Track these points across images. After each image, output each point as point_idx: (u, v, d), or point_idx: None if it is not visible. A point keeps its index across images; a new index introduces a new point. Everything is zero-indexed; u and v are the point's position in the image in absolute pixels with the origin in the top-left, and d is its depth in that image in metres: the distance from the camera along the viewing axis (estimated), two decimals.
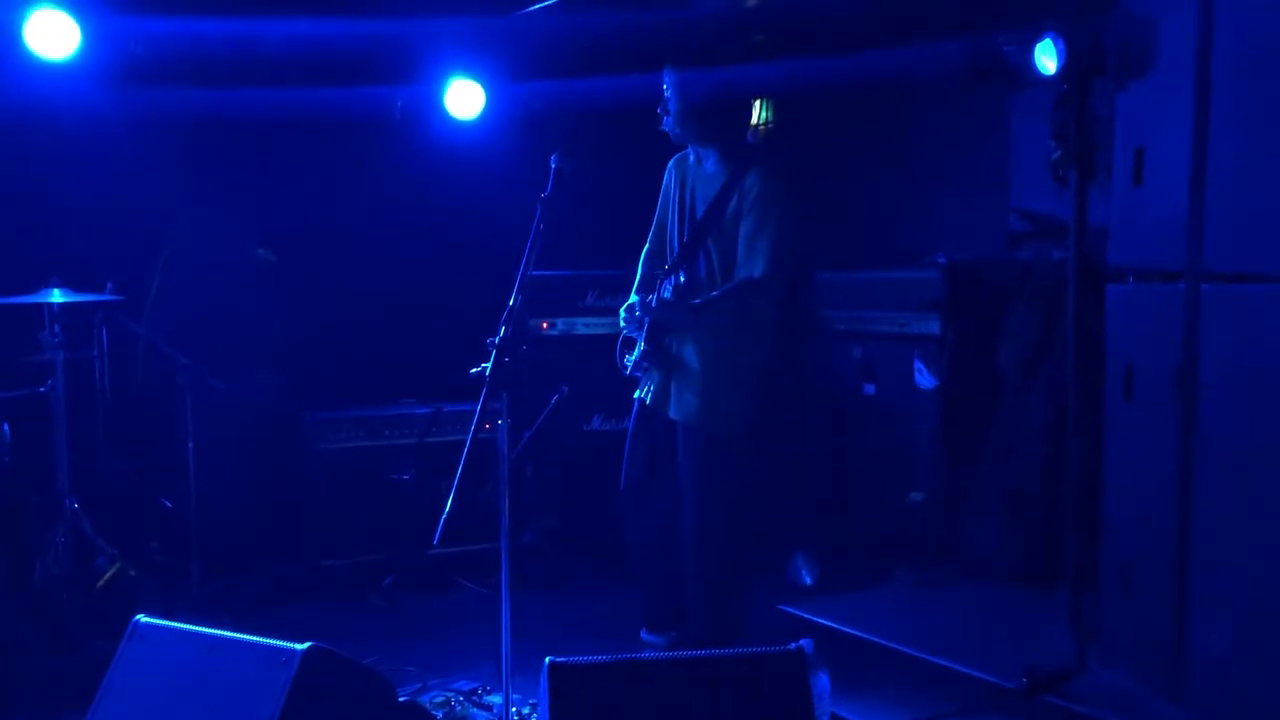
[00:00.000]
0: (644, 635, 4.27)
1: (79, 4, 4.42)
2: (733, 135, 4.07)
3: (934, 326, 5.23)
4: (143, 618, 2.81)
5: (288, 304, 5.38)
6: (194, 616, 4.29)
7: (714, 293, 3.95)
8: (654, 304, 4.00)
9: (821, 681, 3.09)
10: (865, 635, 4.46)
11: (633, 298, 4.24)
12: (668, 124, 4.05)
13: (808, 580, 5.13)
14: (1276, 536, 3.31)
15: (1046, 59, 4.08)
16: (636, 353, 4.14)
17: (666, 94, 4.03)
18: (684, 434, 4.02)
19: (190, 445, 4.71)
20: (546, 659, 2.61)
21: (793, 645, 2.75)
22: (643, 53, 4.82)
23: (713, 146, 4.04)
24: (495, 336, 3.19)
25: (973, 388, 5.20)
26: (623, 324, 4.19)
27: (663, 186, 4.26)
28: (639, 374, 4.17)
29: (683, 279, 3.98)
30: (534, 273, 3.41)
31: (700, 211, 4.04)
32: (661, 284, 4.10)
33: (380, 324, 5.56)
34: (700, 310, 3.93)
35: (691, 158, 4.13)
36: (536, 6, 5.29)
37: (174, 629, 2.78)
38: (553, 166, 3.47)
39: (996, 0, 5.05)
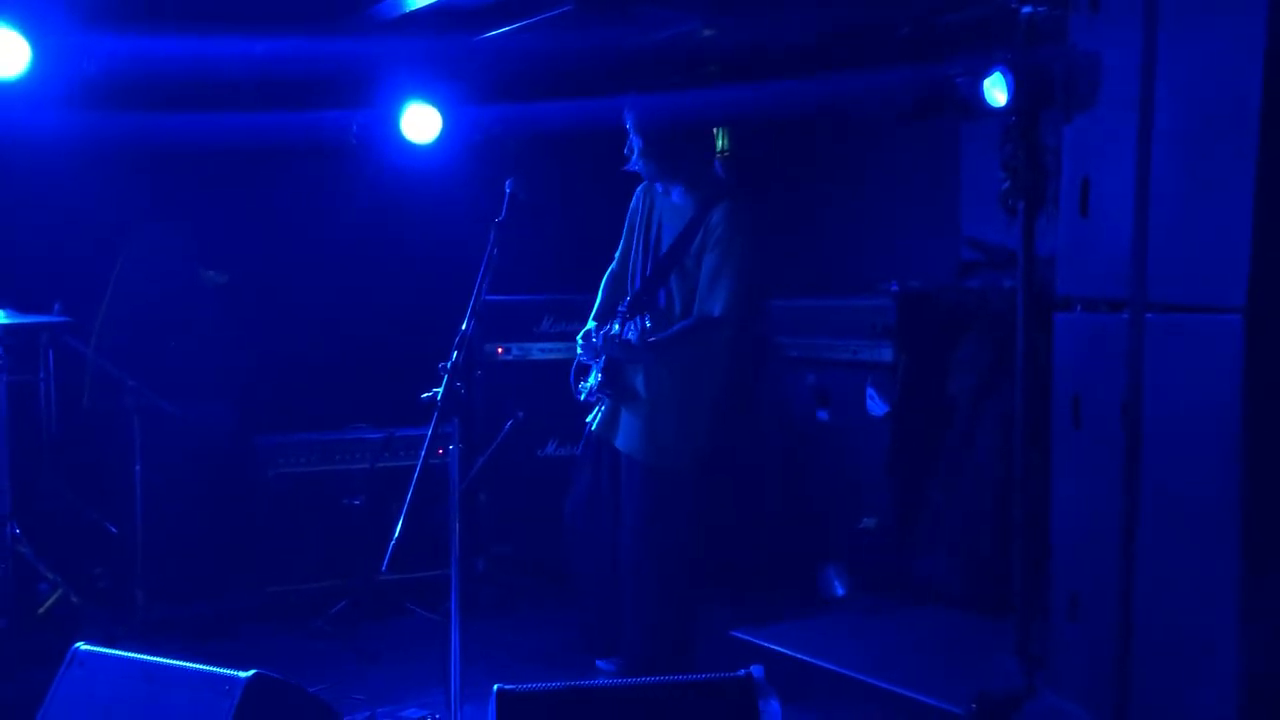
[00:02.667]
0: (599, 664, 4.26)
1: (30, 21, 4.38)
2: (698, 166, 4.07)
3: (886, 354, 5.27)
4: (82, 645, 2.76)
5: (239, 327, 5.34)
6: (138, 644, 4.23)
7: (673, 329, 3.96)
8: (616, 343, 3.98)
9: (772, 708, 3.09)
10: (816, 661, 4.46)
11: (590, 324, 4.25)
12: (635, 163, 4.06)
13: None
14: (1215, 569, 3.35)
15: (996, 91, 4.15)
16: (592, 380, 4.15)
17: (629, 131, 4.03)
18: (627, 465, 4.03)
19: (137, 469, 4.64)
20: (495, 686, 2.59)
21: (741, 671, 2.74)
22: (600, 79, 4.86)
23: (679, 179, 4.05)
24: (447, 361, 3.18)
25: (924, 415, 5.24)
26: (579, 350, 4.19)
27: (630, 210, 4.28)
28: (593, 400, 4.17)
29: (648, 321, 3.89)
30: (489, 297, 3.41)
31: (665, 243, 4.06)
32: (625, 320, 4.05)
33: (333, 347, 5.53)
34: (656, 348, 3.93)
35: (659, 187, 4.14)
36: (496, 32, 5.31)
37: (114, 656, 2.74)
38: (507, 191, 3.47)
39: (947, 33, 5.14)
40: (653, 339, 3.91)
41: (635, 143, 4.02)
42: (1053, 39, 4.07)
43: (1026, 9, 4.03)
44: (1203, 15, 3.50)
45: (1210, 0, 3.49)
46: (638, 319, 3.93)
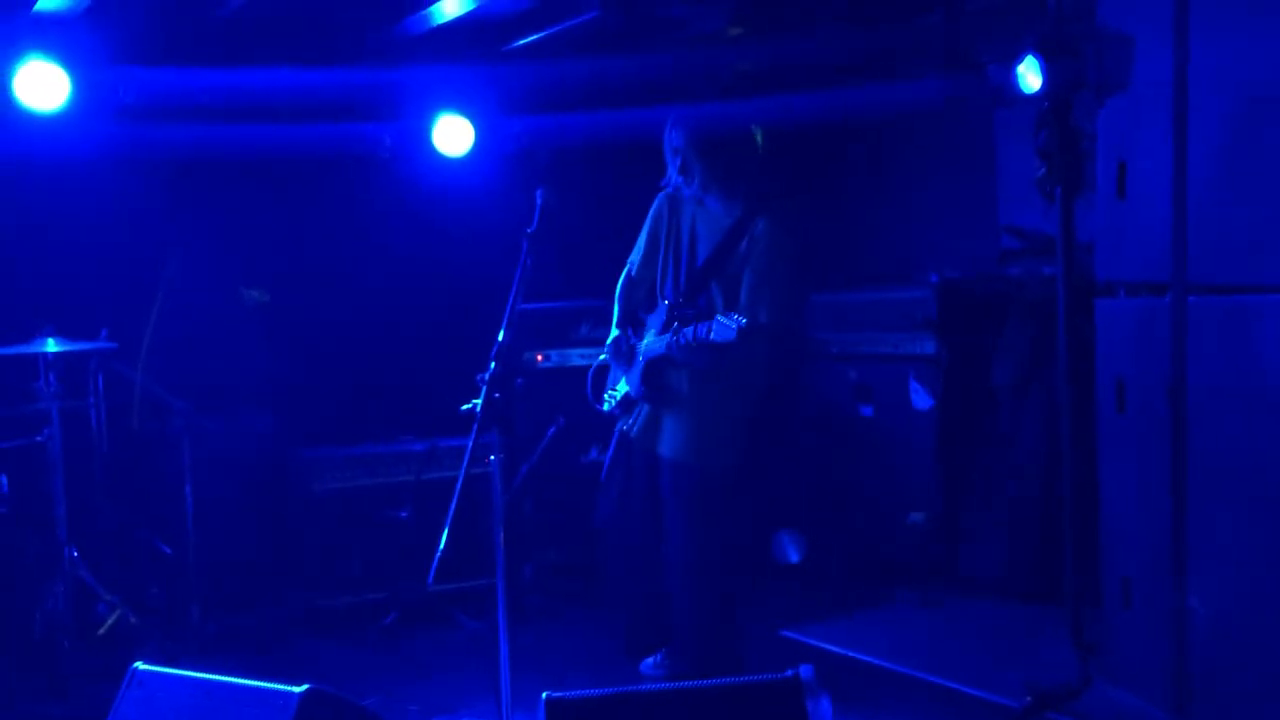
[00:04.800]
0: (642, 669, 4.27)
1: (68, 55, 4.46)
2: (740, 174, 4.05)
3: (928, 346, 5.24)
4: (140, 665, 2.80)
5: (281, 343, 5.40)
6: (196, 660, 4.31)
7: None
8: (679, 345, 3.85)
9: (823, 707, 3.09)
10: (867, 658, 4.44)
11: (614, 331, 4.25)
12: (676, 179, 4.05)
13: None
14: (1269, 546, 3.30)
15: (1030, 75, 4.11)
16: (621, 388, 4.15)
17: (675, 146, 4.02)
18: (674, 471, 4.03)
19: (188, 489, 4.72)
20: (543, 694, 2.60)
21: (789, 672, 2.74)
22: (631, 88, 4.88)
23: (719, 187, 4.03)
24: (485, 372, 3.21)
25: (969, 406, 5.20)
26: (607, 358, 4.20)
27: (652, 217, 4.26)
28: (616, 411, 4.18)
29: (711, 329, 3.70)
30: (524, 306, 3.43)
31: (703, 250, 4.05)
32: (677, 329, 3.90)
33: (374, 361, 5.57)
34: (716, 350, 3.83)
35: (688, 193, 4.12)
36: (522, 42, 5.34)
37: (172, 675, 2.78)
38: (538, 201, 3.49)
39: (978, 20, 5.11)
40: (713, 339, 3.73)
41: (680, 155, 4.01)
42: (1083, 21, 4.03)
43: None
44: None
45: None
46: (694, 326, 3.79)
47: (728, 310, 3.92)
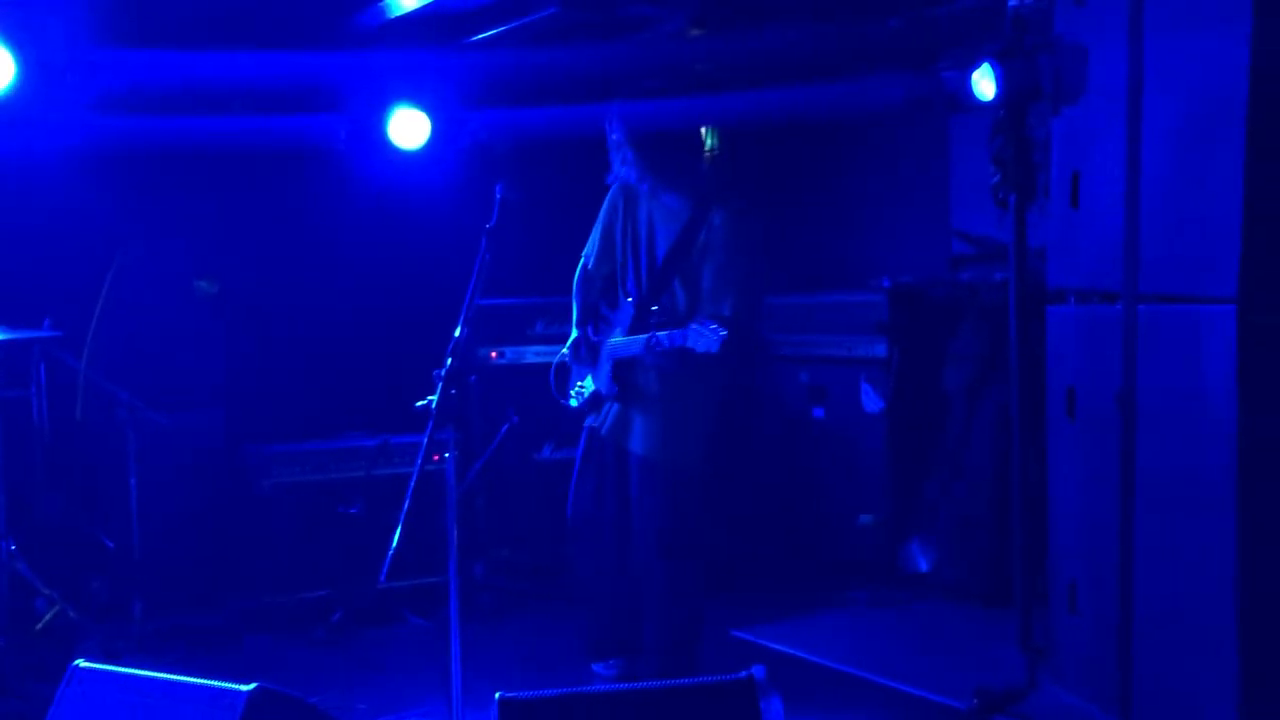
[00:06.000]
0: (595, 667, 4.25)
1: (17, 37, 4.36)
2: (689, 169, 4.06)
3: (880, 349, 5.28)
4: (81, 663, 2.74)
5: (232, 336, 5.32)
6: (138, 658, 4.24)
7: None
8: (655, 351, 3.83)
9: (774, 707, 3.09)
10: (817, 659, 4.46)
11: (574, 331, 4.23)
12: (621, 172, 4.03)
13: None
14: (1212, 551, 3.36)
15: (985, 83, 4.14)
16: (589, 385, 4.13)
17: (615, 140, 4.01)
18: (645, 467, 4.01)
19: (132, 482, 4.62)
20: (497, 694, 2.58)
21: (744, 673, 2.73)
22: (588, 83, 4.85)
23: (670, 182, 4.02)
24: (441, 369, 3.18)
25: (919, 410, 5.24)
26: (567, 357, 4.18)
27: (606, 211, 4.23)
28: (585, 406, 4.16)
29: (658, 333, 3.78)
30: (481, 302, 3.40)
31: (662, 245, 4.04)
32: (649, 327, 3.92)
33: (326, 356, 5.50)
34: (670, 355, 3.84)
35: (644, 188, 4.11)
36: (481, 36, 5.30)
37: (113, 673, 2.72)
38: (498, 197, 3.45)
39: (935, 27, 5.14)
40: (692, 348, 3.71)
41: (623, 151, 4.00)
42: (1039, 31, 4.08)
43: (1014, 1, 4.02)
44: (1189, 5, 3.51)
45: None
46: (669, 333, 3.77)
47: (691, 306, 3.94)
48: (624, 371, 4.03)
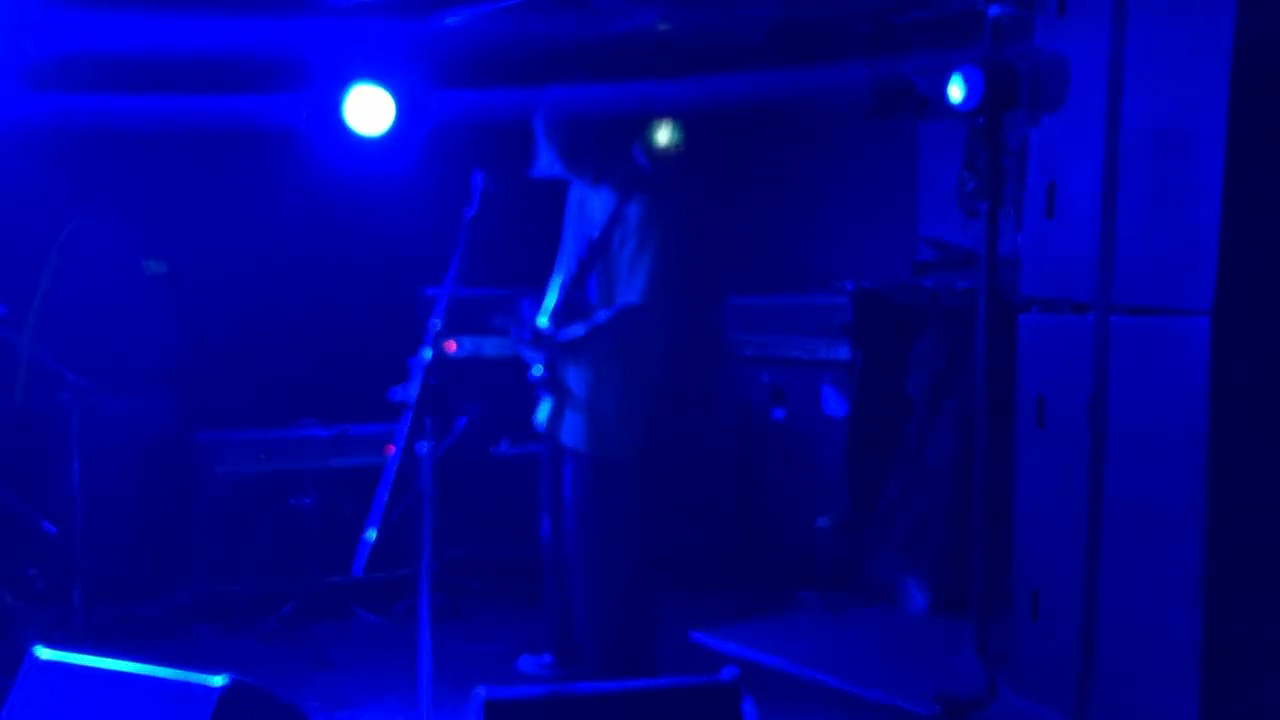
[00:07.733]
0: (520, 660, 4.23)
1: None
2: (615, 161, 4.02)
3: (843, 352, 5.28)
4: (41, 651, 2.62)
5: (182, 319, 5.16)
6: (76, 647, 4.08)
7: (591, 321, 3.92)
8: (526, 336, 3.96)
9: (749, 710, 3.05)
10: (776, 663, 4.44)
11: (542, 320, 4.19)
12: (549, 166, 4.00)
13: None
14: (1179, 569, 3.40)
15: (956, 89, 4.15)
16: (537, 373, 4.11)
17: (539, 136, 3.98)
18: (574, 460, 3.99)
19: (76, 466, 4.45)
20: (482, 694, 2.51)
21: (724, 676, 2.71)
22: (549, 69, 4.78)
23: (599, 174, 4.00)
24: (416, 357, 3.10)
25: (881, 414, 5.25)
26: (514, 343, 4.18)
27: (568, 203, 4.24)
28: (539, 388, 4.14)
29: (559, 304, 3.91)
30: (433, 291, 3.33)
31: (589, 235, 4.05)
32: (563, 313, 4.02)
33: (281, 343, 5.35)
34: (574, 344, 3.92)
35: (587, 179, 4.08)
36: (451, 20, 5.21)
37: (75, 664, 2.60)
38: (480, 186, 3.38)
39: (907, 31, 5.16)
40: (581, 326, 3.89)
41: (549, 144, 3.97)
42: (1018, 40, 4.10)
43: (994, 9, 4.04)
44: (1170, 18, 3.54)
45: (1178, 4, 3.54)
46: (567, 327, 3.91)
47: (605, 294, 3.95)
48: (554, 361, 4.01)
